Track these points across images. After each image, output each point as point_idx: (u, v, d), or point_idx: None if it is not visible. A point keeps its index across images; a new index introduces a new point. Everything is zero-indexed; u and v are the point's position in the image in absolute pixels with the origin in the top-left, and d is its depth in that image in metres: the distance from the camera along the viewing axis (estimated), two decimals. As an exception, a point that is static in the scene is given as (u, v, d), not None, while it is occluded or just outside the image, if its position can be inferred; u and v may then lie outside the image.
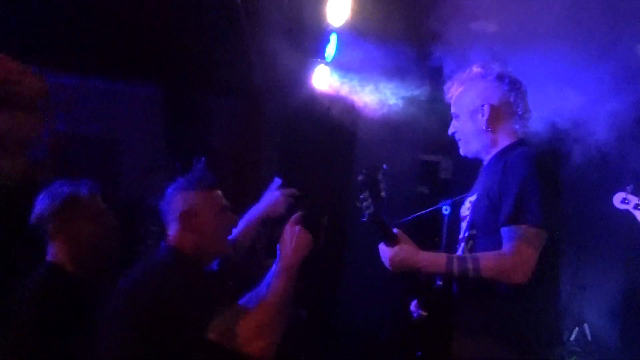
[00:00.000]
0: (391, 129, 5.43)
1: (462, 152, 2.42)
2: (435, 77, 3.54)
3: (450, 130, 2.43)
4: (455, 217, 2.63)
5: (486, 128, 2.29)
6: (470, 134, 2.34)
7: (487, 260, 2.09)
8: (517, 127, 2.32)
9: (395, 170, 6.19)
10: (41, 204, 2.26)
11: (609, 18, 3.33)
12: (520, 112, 2.32)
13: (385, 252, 2.22)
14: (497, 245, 2.11)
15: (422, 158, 6.21)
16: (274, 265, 2.08)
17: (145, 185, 2.21)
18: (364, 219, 2.18)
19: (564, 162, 3.97)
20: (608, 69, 3.32)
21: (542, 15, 3.37)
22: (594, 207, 4.48)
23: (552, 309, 2.19)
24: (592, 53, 3.29)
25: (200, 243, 2.08)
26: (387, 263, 2.22)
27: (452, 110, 2.42)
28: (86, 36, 5.24)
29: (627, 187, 3.72)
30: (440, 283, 2.33)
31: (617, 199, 3.79)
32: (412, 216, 3.65)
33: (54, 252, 2.24)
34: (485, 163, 2.37)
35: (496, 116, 2.30)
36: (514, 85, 2.33)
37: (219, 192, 2.19)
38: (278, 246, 2.11)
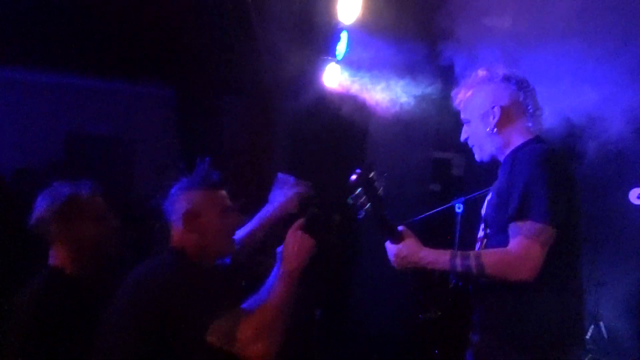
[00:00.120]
0: (403, 127, 5.41)
1: (478, 157, 2.39)
2: (447, 75, 3.52)
3: (463, 137, 2.42)
4: (471, 216, 2.61)
5: (498, 129, 2.27)
6: (483, 137, 2.32)
7: (491, 256, 2.07)
8: (530, 124, 2.30)
9: (407, 168, 6.22)
10: (41, 205, 2.22)
11: (623, 12, 3.28)
12: (531, 110, 2.31)
13: (390, 249, 2.22)
14: (508, 242, 2.08)
15: (434, 155, 6.19)
16: (274, 269, 2.08)
17: (157, 184, 2.18)
18: (360, 217, 2.19)
19: (580, 158, 3.93)
20: (623, 64, 3.28)
21: (554, 10, 3.33)
22: (611, 203, 4.45)
23: (569, 307, 2.15)
24: (607, 48, 3.25)
25: (203, 243, 2.06)
26: (391, 260, 2.22)
27: (463, 116, 2.40)
28: (97, 38, 5.27)
29: None
30: (455, 282, 2.32)
31: (634, 195, 3.83)
32: (424, 214, 3.62)
33: (55, 254, 2.22)
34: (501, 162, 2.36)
35: (507, 116, 2.28)
36: (521, 85, 2.32)
37: (223, 192, 2.17)
38: (279, 250, 2.10)
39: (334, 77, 4.72)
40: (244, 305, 2.05)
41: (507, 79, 2.32)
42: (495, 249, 2.12)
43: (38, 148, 7.07)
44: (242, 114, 6.71)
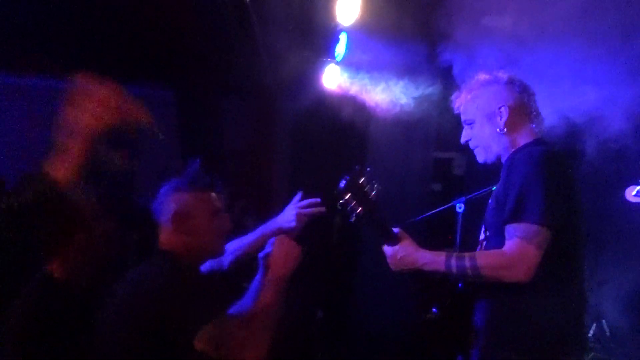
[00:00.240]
0: (403, 127, 5.42)
1: (481, 159, 2.38)
2: (447, 75, 3.53)
3: (464, 139, 2.40)
4: (472, 216, 2.62)
5: (506, 130, 2.28)
6: (488, 138, 2.31)
7: (486, 258, 2.08)
8: (533, 126, 2.32)
9: (408, 168, 6.21)
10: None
11: (622, 11, 3.29)
12: (534, 113, 2.33)
13: (386, 251, 2.24)
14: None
15: (435, 155, 6.19)
16: (257, 276, 2.07)
17: (158, 186, 2.16)
18: (352, 220, 2.20)
19: (580, 157, 3.94)
20: (623, 64, 3.28)
21: (554, 10, 3.34)
22: (612, 201, 4.45)
23: (569, 309, 2.16)
24: (607, 47, 3.25)
25: (192, 245, 2.04)
26: (388, 262, 2.24)
27: (465, 117, 2.39)
28: (96, 40, 5.27)
29: None
30: (455, 283, 2.32)
31: (630, 192, 3.88)
32: (426, 214, 3.63)
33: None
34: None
35: (513, 117, 2.29)
36: (524, 89, 2.34)
37: (214, 194, 2.15)
38: (261, 256, 2.10)
39: (334, 79, 4.72)
40: (231, 311, 2.04)
41: (511, 82, 2.33)
42: (491, 251, 2.13)
43: (38, 152, 7.06)
44: (242, 115, 6.72)
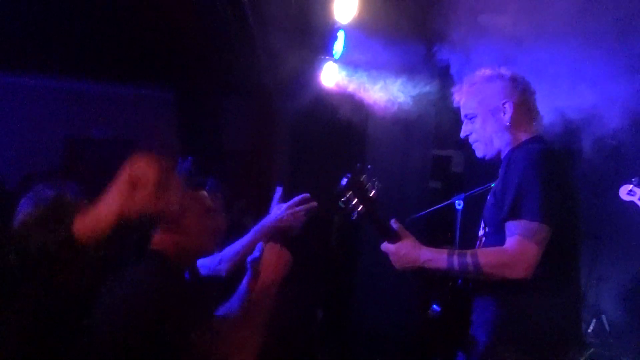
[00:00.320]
0: (402, 125, 5.43)
1: (480, 154, 2.38)
2: (445, 72, 3.53)
3: (464, 133, 2.40)
4: (471, 212, 2.62)
5: (509, 125, 2.28)
6: (491, 133, 2.32)
7: (487, 255, 2.09)
8: (534, 123, 2.33)
9: (407, 166, 6.21)
10: (24, 209, 2.15)
11: (620, 7, 3.29)
12: (534, 111, 2.35)
13: (388, 248, 2.23)
14: (504, 242, 2.10)
15: (434, 153, 6.20)
16: (244, 280, 2.06)
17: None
18: (353, 219, 2.21)
19: (578, 155, 3.95)
20: (620, 61, 3.29)
21: (552, 9, 3.34)
22: (610, 198, 4.46)
23: (568, 306, 2.17)
24: (605, 46, 3.26)
25: (183, 244, 2.02)
26: (391, 260, 2.23)
27: (466, 111, 2.38)
28: (95, 41, 5.27)
29: (633, 180, 3.86)
30: (455, 280, 2.33)
31: (623, 191, 3.93)
32: (425, 211, 3.64)
33: None
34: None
35: (517, 114, 2.30)
36: (526, 86, 2.35)
37: (205, 193, 2.13)
38: (250, 260, 2.09)
39: (332, 77, 4.73)
40: (218, 312, 2.04)
41: (514, 78, 2.34)
42: (492, 248, 2.14)
43: (39, 153, 7.08)
44: (241, 115, 6.72)
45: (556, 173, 2.13)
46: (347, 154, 5.67)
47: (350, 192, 2.19)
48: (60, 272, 1.95)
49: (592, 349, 5.06)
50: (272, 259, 2.04)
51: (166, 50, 5.47)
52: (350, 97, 4.65)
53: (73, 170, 7.39)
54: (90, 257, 2.18)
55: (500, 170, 2.30)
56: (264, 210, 2.69)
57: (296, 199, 2.56)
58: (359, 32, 4.36)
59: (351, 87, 4.62)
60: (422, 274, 2.27)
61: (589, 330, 5.28)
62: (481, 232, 2.35)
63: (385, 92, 4.39)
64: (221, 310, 2.09)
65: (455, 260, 2.10)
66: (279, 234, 2.54)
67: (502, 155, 2.32)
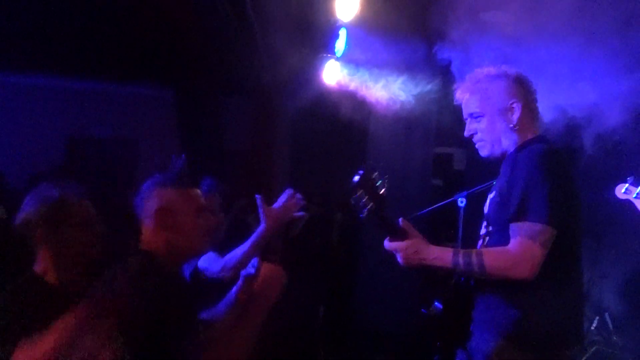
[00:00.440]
0: (403, 123, 5.43)
1: (485, 153, 2.35)
2: (447, 70, 3.53)
3: (469, 132, 2.37)
4: (473, 210, 2.62)
5: (517, 126, 2.28)
6: (499, 133, 2.30)
7: (492, 255, 2.09)
8: (536, 122, 2.34)
9: (409, 164, 6.20)
10: (28, 208, 2.13)
11: (621, 8, 3.29)
12: (535, 111, 2.34)
13: (395, 246, 2.22)
14: (509, 241, 2.10)
15: (436, 151, 6.20)
16: (234, 289, 2.04)
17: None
18: (362, 216, 2.19)
19: (579, 152, 3.95)
20: (620, 57, 3.29)
21: (553, 6, 3.34)
22: (611, 195, 4.46)
23: (568, 305, 2.18)
24: (605, 41, 3.25)
25: (175, 242, 1.98)
26: (397, 257, 2.22)
27: (472, 110, 2.35)
28: (96, 40, 5.28)
29: (629, 179, 3.92)
30: (457, 277, 2.33)
31: (619, 190, 3.97)
32: (427, 209, 3.63)
33: (39, 259, 2.13)
34: (503, 160, 2.36)
35: (524, 114, 2.29)
36: (530, 86, 2.34)
37: (198, 191, 2.10)
38: (243, 275, 2.06)
39: (334, 75, 4.72)
40: (203, 316, 2.02)
41: (519, 78, 2.33)
42: (496, 248, 2.14)
43: (41, 151, 7.09)
44: (242, 114, 6.73)
45: (561, 174, 2.14)
46: (349, 152, 5.68)
47: (362, 190, 2.18)
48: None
49: (595, 347, 5.05)
50: (268, 282, 2.01)
51: (167, 50, 5.48)
52: (351, 95, 4.64)
53: (74, 169, 7.41)
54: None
55: (503, 168, 2.29)
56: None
57: (282, 197, 2.69)
58: (361, 30, 4.36)
59: (353, 85, 4.62)
60: (425, 272, 2.27)
61: (592, 328, 5.28)
62: (483, 231, 2.35)
63: (387, 90, 4.39)
64: (206, 314, 2.07)
65: (461, 259, 2.11)
66: (279, 235, 2.56)
67: (507, 154, 2.32)
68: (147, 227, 2.00)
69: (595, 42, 3.24)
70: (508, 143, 2.30)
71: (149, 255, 1.95)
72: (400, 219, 2.25)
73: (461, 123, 2.44)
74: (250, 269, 2.12)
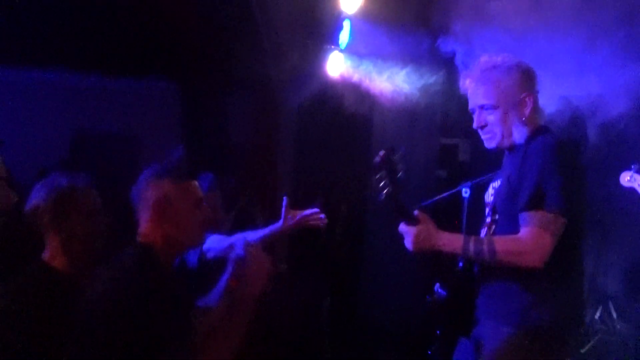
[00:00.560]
0: (408, 114, 5.43)
1: (492, 145, 2.34)
2: (452, 61, 3.53)
3: (479, 124, 2.34)
4: (477, 200, 2.63)
5: (528, 119, 2.28)
6: (510, 125, 2.29)
7: (504, 243, 2.12)
8: (540, 113, 2.36)
9: (414, 155, 6.20)
10: (37, 195, 2.18)
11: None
12: (538, 102, 2.35)
13: (407, 231, 2.23)
14: (517, 230, 2.13)
15: (441, 142, 6.20)
16: (224, 276, 2.04)
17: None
18: (381, 199, 2.20)
19: (584, 141, 3.97)
20: (626, 51, 3.29)
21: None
22: (615, 184, 4.46)
23: (570, 293, 2.21)
24: (610, 34, 3.25)
25: (171, 234, 1.97)
26: (408, 242, 2.23)
27: (483, 102, 2.31)
28: (100, 34, 5.29)
29: (633, 166, 3.90)
30: (462, 265, 2.36)
31: (624, 178, 4.01)
32: (432, 199, 3.65)
33: (48, 247, 2.18)
34: (508, 150, 2.37)
35: (534, 107, 2.31)
36: (536, 78, 2.35)
37: (196, 183, 2.09)
38: (232, 259, 2.06)
39: (338, 67, 4.73)
40: (199, 303, 2.03)
41: (530, 70, 2.33)
42: (508, 237, 2.15)
43: (45, 147, 7.12)
44: (246, 107, 6.73)
45: (572, 164, 2.17)
46: (353, 144, 5.68)
47: (383, 171, 2.19)
48: None
49: (599, 336, 5.07)
50: (257, 267, 2.00)
51: (170, 45, 5.48)
52: (355, 88, 4.65)
53: (79, 165, 7.43)
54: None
55: (510, 159, 2.31)
56: (269, 202, 2.78)
57: (309, 210, 2.88)
58: (365, 22, 4.35)
59: (357, 77, 4.62)
60: (431, 259, 2.29)
61: (596, 317, 5.29)
62: (488, 219, 2.37)
63: (391, 82, 4.40)
64: (201, 302, 2.08)
65: (472, 246, 2.13)
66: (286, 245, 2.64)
67: (515, 146, 2.32)
68: (144, 219, 1.99)
69: (599, 34, 3.24)
70: (518, 136, 2.30)
71: (144, 248, 1.95)
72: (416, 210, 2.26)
73: (466, 114, 2.43)
74: (239, 250, 2.10)
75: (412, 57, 4.31)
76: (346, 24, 4.50)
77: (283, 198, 2.84)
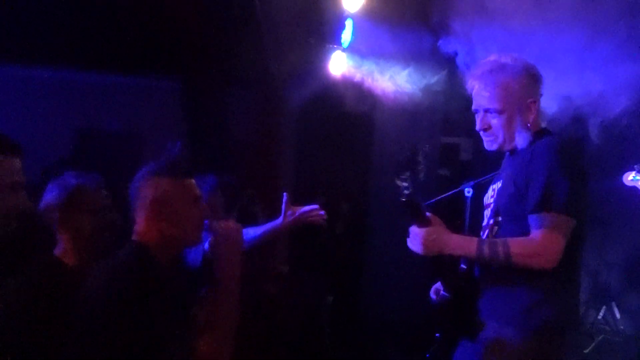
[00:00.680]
0: (410, 113, 5.42)
1: (494, 147, 2.32)
2: (454, 60, 3.52)
3: (483, 126, 2.31)
4: (479, 202, 2.62)
5: (531, 124, 2.27)
6: (514, 130, 2.27)
7: (518, 245, 2.10)
8: (541, 116, 2.35)
9: (416, 154, 6.17)
10: (50, 193, 2.28)
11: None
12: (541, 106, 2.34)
13: (418, 233, 2.21)
14: (522, 232, 2.13)
15: (443, 141, 6.20)
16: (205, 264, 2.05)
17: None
18: (403, 199, 2.17)
19: (586, 140, 3.96)
20: (627, 48, 3.28)
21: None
22: (616, 183, 4.46)
23: (571, 292, 2.21)
24: (610, 32, 3.24)
25: (169, 233, 1.94)
26: (418, 245, 2.20)
27: (490, 105, 2.27)
28: (102, 30, 5.29)
29: (635, 166, 3.98)
30: (464, 267, 2.35)
31: (627, 177, 4.04)
32: (434, 199, 3.64)
33: (59, 242, 2.25)
34: (509, 152, 2.36)
35: (538, 112, 2.30)
36: (542, 82, 2.32)
37: (193, 180, 2.05)
38: (209, 245, 2.05)
39: (340, 66, 4.72)
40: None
41: (537, 74, 2.30)
42: (520, 239, 2.13)
43: (48, 145, 7.12)
44: (248, 104, 6.73)
45: (578, 165, 2.16)
46: (355, 143, 5.68)
47: (409, 172, 2.17)
48: None
49: (602, 336, 5.07)
50: (229, 238, 2.03)
51: (172, 41, 5.48)
52: (357, 87, 4.64)
53: (80, 163, 7.43)
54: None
55: (513, 161, 2.30)
56: (271, 199, 2.78)
57: (308, 206, 2.85)
58: (367, 21, 4.35)
59: (359, 76, 4.62)
60: (436, 261, 2.28)
61: (599, 317, 5.29)
62: (490, 221, 2.35)
63: (393, 81, 4.39)
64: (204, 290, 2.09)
65: (486, 248, 2.12)
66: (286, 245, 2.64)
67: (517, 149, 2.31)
68: (141, 217, 1.97)
69: (600, 31, 3.23)
70: (520, 141, 2.28)
71: (140, 246, 1.93)
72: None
73: (468, 113, 2.41)
74: (208, 237, 2.11)
75: (414, 56, 4.31)
76: (348, 23, 4.50)
77: (283, 195, 2.84)
